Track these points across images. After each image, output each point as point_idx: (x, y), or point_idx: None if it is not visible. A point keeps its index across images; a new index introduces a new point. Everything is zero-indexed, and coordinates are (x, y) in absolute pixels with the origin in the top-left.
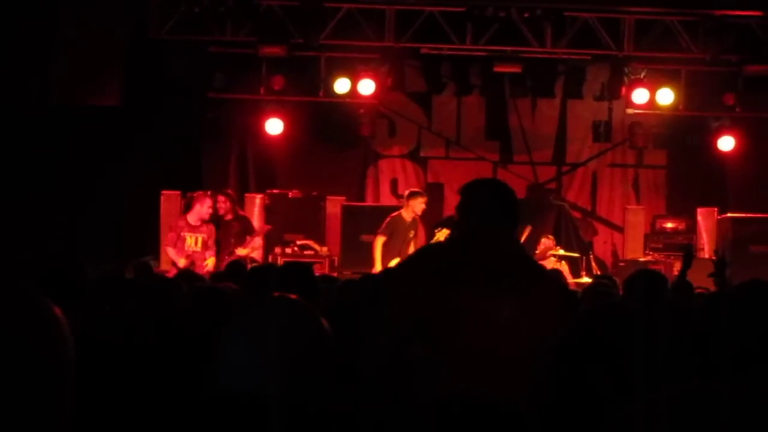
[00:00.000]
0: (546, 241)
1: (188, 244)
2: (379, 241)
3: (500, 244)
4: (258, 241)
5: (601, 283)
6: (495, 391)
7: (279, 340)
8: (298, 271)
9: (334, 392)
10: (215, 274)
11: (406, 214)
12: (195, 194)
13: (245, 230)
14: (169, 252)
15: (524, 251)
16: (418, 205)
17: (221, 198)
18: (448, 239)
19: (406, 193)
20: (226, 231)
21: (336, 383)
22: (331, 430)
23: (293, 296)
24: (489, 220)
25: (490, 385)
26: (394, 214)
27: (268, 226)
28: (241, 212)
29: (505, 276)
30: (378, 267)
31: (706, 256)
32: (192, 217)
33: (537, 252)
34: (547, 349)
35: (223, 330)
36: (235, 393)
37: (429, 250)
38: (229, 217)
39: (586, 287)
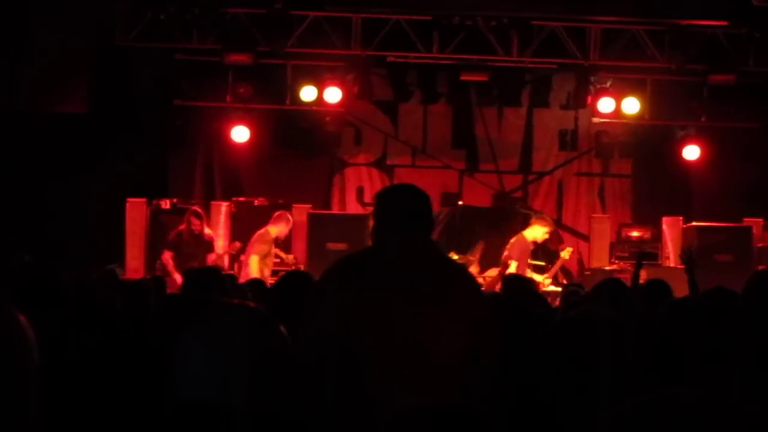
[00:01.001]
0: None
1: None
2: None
3: (415, 250)
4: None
5: (574, 291)
6: (425, 397)
7: (238, 348)
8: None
9: (294, 400)
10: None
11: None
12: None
13: (207, 249)
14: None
15: (441, 254)
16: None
17: (195, 220)
18: (365, 248)
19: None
20: (192, 246)
21: (296, 391)
22: None
23: (252, 304)
24: (402, 226)
25: (420, 393)
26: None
27: (238, 244)
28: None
29: (423, 281)
30: None
31: (672, 264)
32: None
33: (504, 263)
34: (475, 352)
35: (183, 338)
36: (196, 402)
37: (346, 260)
38: (197, 233)
39: (562, 295)
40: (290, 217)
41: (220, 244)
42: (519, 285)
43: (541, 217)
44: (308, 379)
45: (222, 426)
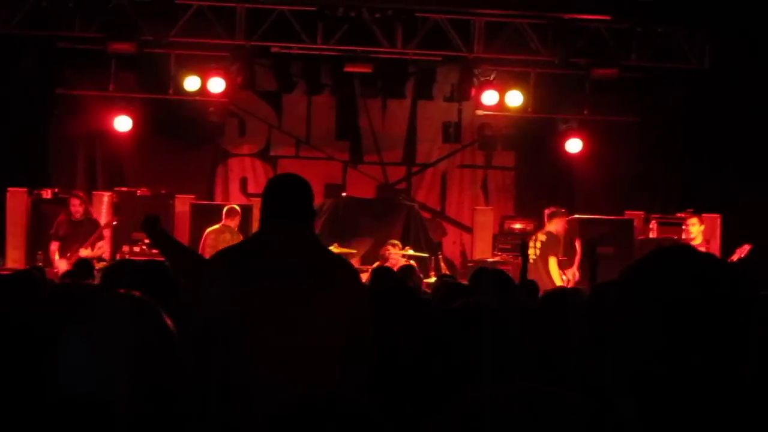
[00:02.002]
0: (391, 247)
1: None
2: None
3: (295, 241)
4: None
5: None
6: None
7: (120, 338)
8: (154, 268)
9: (179, 391)
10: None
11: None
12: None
13: (92, 233)
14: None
15: (321, 245)
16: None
17: (75, 201)
18: (245, 238)
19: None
20: (76, 232)
21: (181, 382)
22: (175, 429)
23: (136, 293)
24: (282, 216)
25: (297, 381)
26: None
27: (116, 219)
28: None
29: (302, 271)
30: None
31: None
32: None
33: (384, 254)
34: (352, 342)
35: (65, 329)
36: (76, 394)
37: (226, 251)
38: (79, 218)
39: (436, 285)
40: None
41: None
42: (387, 276)
43: (559, 213)
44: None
45: (102, 418)
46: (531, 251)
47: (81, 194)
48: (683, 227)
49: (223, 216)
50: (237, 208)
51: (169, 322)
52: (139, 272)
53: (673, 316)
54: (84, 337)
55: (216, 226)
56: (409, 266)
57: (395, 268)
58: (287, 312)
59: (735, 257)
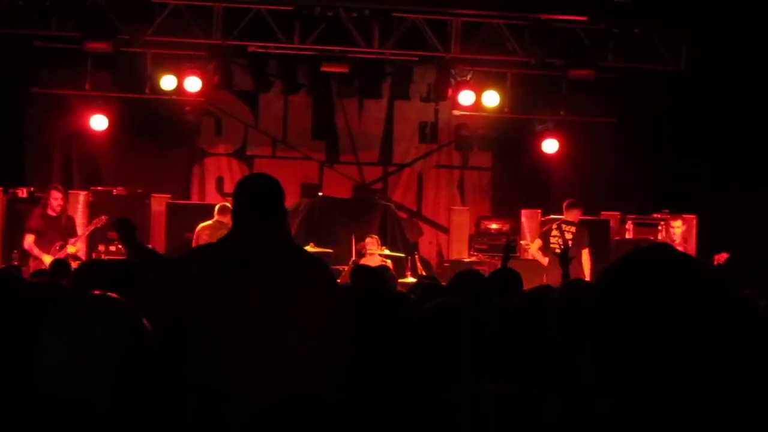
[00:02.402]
0: (370, 240)
1: None
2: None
3: (267, 240)
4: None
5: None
6: (280, 387)
7: (98, 339)
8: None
9: (157, 391)
10: (36, 272)
11: None
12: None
13: (69, 233)
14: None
15: (293, 244)
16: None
17: (57, 194)
18: (220, 238)
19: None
20: (52, 227)
21: (159, 382)
22: (153, 428)
23: (114, 295)
24: (254, 216)
25: (273, 381)
26: None
27: (104, 218)
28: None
29: (274, 271)
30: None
31: (530, 257)
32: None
33: (360, 250)
34: (327, 341)
35: (43, 330)
36: (54, 394)
37: (200, 249)
38: (56, 213)
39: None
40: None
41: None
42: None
43: (579, 204)
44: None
45: (80, 418)
46: (555, 240)
47: (60, 187)
48: (660, 228)
49: (216, 213)
50: (229, 205)
51: (146, 322)
52: (110, 272)
53: (652, 319)
54: (61, 338)
55: (209, 222)
56: (383, 267)
57: (372, 263)
58: (261, 312)
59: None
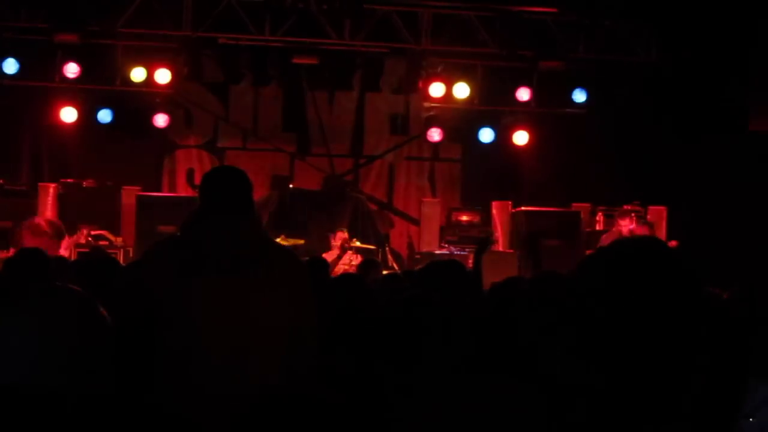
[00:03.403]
0: (341, 234)
1: None
2: None
3: (233, 232)
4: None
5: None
6: (246, 379)
7: (56, 330)
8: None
9: (114, 381)
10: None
11: None
12: None
13: None
14: None
15: (259, 236)
16: None
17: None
18: (183, 231)
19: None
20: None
21: (117, 373)
22: (111, 419)
23: (74, 286)
24: (218, 208)
25: (239, 373)
26: None
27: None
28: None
29: (242, 262)
30: None
31: (501, 249)
32: None
33: (333, 244)
34: (295, 332)
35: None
36: (10, 386)
37: (164, 243)
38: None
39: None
40: None
41: None
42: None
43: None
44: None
45: (37, 409)
46: None
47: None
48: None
49: None
50: None
51: (103, 312)
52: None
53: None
54: (19, 329)
55: None
56: (372, 260)
57: (338, 257)
58: (227, 304)
59: None
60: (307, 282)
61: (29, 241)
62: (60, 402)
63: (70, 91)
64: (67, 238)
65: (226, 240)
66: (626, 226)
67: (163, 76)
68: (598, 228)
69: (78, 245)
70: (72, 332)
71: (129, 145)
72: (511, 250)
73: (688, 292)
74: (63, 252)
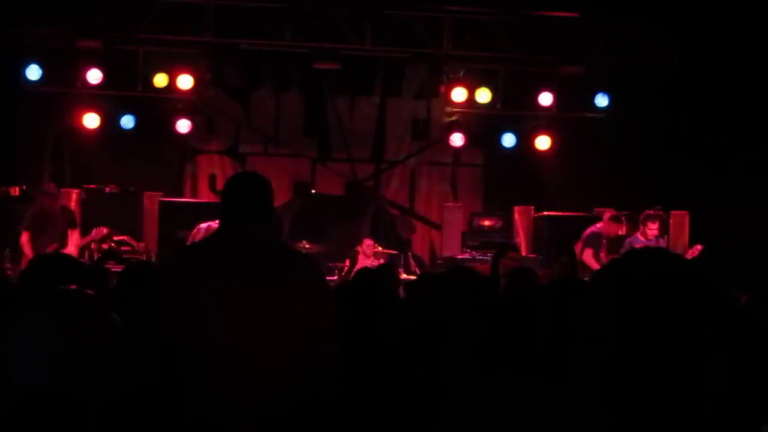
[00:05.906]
0: (368, 242)
1: None
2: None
3: (254, 238)
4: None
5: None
6: (268, 382)
7: (71, 332)
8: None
9: (125, 384)
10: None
11: None
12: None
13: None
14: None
15: (279, 242)
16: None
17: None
18: (206, 237)
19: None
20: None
21: (127, 376)
22: (121, 421)
23: (89, 291)
24: (240, 215)
25: (262, 376)
26: None
27: (104, 230)
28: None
29: (260, 267)
30: None
31: (524, 253)
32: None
33: (362, 251)
34: (316, 335)
35: (11, 324)
36: (25, 389)
37: (185, 250)
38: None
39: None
40: None
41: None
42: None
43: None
44: (144, 366)
45: (52, 411)
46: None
47: (52, 186)
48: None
49: None
50: None
51: (115, 316)
52: (61, 267)
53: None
54: (31, 332)
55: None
56: (389, 265)
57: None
58: (248, 310)
59: (688, 257)
60: (324, 285)
61: (40, 200)
62: (75, 404)
63: (93, 97)
64: (78, 233)
65: (247, 246)
66: (653, 231)
67: (185, 81)
68: (620, 233)
69: (93, 242)
70: (87, 335)
71: (151, 150)
72: (534, 255)
73: (701, 302)
74: (72, 248)
